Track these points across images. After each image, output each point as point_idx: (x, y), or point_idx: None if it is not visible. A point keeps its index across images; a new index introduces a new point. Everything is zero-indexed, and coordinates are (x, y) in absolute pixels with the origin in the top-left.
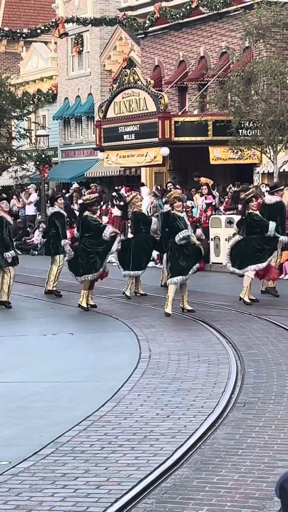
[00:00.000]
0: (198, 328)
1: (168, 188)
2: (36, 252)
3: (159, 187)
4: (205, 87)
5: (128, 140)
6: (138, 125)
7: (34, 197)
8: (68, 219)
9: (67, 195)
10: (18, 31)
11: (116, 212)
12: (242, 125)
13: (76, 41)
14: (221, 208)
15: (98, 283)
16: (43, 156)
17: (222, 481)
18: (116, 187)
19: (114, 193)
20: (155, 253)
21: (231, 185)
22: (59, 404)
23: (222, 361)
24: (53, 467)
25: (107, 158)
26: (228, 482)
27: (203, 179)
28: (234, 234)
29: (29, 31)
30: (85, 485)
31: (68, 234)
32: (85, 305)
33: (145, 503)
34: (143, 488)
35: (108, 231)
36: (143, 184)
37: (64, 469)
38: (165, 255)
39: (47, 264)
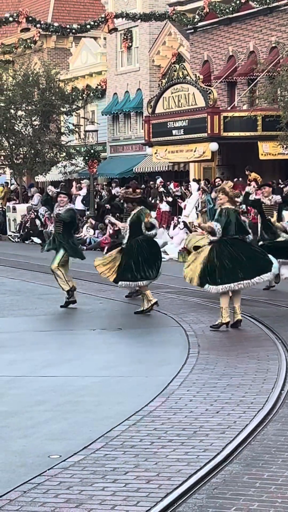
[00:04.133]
0: (247, 324)
1: (217, 183)
2: (85, 247)
3: (207, 182)
4: (255, 82)
5: (177, 135)
6: (187, 120)
7: (83, 192)
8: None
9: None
10: (67, 26)
11: (164, 207)
12: None
13: (125, 37)
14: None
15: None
16: (92, 151)
17: (272, 477)
18: (161, 182)
19: (162, 189)
20: None
21: (280, 181)
22: (108, 398)
23: (272, 357)
24: (103, 461)
25: (155, 153)
26: (279, 478)
27: (253, 175)
28: None
29: (79, 26)
30: (135, 479)
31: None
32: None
33: (195, 498)
34: (194, 483)
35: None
36: (194, 180)
37: (114, 464)
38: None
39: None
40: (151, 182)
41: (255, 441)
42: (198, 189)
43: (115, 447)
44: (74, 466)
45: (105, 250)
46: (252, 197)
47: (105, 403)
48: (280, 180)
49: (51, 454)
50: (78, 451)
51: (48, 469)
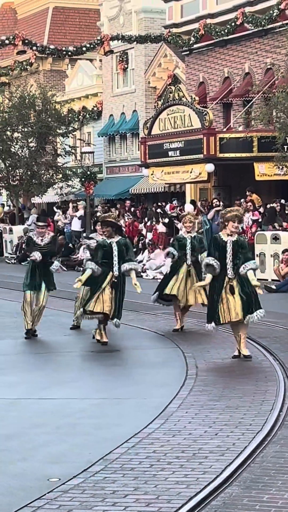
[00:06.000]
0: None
1: (214, 204)
2: (81, 269)
3: (203, 203)
4: (250, 103)
5: (173, 156)
6: (183, 142)
7: (80, 213)
8: None
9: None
10: (63, 49)
11: (161, 228)
12: None
13: (121, 59)
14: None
15: (143, 300)
16: (88, 172)
17: (272, 500)
18: (159, 203)
19: (159, 210)
20: None
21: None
22: (106, 421)
23: (270, 378)
24: (102, 484)
25: (152, 174)
26: (279, 500)
27: (254, 196)
28: None
29: (75, 48)
30: (135, 502)
31: None
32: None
33: None
34: (193, 506)
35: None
36: (192, 201)
37: (113, 487)
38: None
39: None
40: (156, 204)
41: (254, 463)
42: (194, 210)
43: (115, 470)
44: (74, 489)
45: None
46: (248, 217)
47: (104, 425)
48: (283, 201)
49: (51, 477)
50: (77, 474)
51: (48, 492)
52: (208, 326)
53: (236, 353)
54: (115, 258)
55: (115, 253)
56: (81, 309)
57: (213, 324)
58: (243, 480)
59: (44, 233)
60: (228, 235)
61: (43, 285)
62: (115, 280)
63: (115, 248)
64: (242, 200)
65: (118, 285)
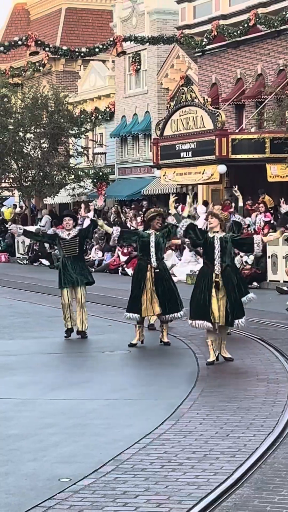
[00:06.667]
0: (256, 346)
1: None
2: (93, 269)
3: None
4: (263, 104)
5: (185, 157)
6: (195, 143)
7: (92, 213)
8: None
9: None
10: (76, 50)
11: None
12: None
13: (133, 60)
14: None
15: None
16: (100, 173)
17: (283, 501)
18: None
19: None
20: None
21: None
22: (117, 421)
23: (281, 379)
24: (113, 484)
25: (164, 175)
26: None
27: (266, 198)
28: None
29: (87, 50)
30: (145, 503)
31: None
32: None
33: None
34: (204, 507)
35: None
36: (205, 202)
37: (124, 487)
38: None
39: (105, 281)
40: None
41: (265, 464)
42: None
43: (125, 470)
44: (85, 489)
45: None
46: (260, 218)
47: (115, 426)
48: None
49: (61, 477)
50: (88, 474)
51: (59, 493)
52: (198, 324)
53: (211, 359)
54: (152, 250)
55: (152, 244)
56: (129, 314)
57: (206, 322)
58: (254, 481)
59: (72, 225)
60: (213, 231)
61: (79, 280)
62: (157, 271)
63: (152, 239)
64: (247, 201)
65: (159, 277)
